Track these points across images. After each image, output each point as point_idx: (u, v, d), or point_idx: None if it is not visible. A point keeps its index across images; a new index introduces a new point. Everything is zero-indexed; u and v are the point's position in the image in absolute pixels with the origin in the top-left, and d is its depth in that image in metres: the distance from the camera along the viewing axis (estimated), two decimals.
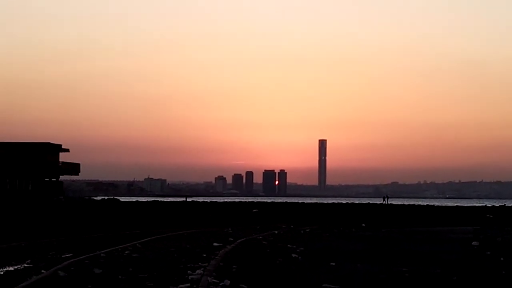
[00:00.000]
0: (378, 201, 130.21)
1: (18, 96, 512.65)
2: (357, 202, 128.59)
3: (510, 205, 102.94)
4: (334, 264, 21.70)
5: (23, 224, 40.26)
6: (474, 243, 31.01)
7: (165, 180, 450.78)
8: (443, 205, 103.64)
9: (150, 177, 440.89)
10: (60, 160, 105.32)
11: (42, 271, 17.66)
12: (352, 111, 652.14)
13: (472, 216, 61.94)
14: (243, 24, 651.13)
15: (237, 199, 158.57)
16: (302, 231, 40.68)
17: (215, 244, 27.58)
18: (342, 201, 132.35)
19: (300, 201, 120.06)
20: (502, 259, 23.87)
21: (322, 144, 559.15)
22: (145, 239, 28.88)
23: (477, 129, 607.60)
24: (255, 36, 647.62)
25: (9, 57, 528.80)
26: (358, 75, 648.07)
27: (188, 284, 15.48)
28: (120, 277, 17.14)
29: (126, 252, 23.32)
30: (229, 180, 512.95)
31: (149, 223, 45.30)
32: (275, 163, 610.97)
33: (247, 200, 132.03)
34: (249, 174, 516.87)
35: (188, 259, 21.47)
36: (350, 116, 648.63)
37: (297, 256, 24.02)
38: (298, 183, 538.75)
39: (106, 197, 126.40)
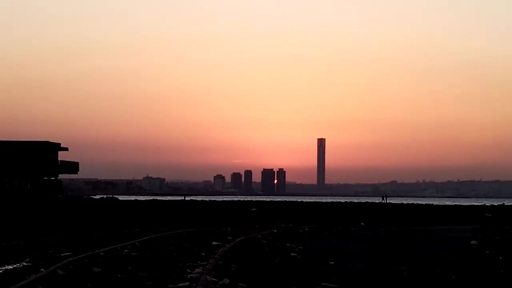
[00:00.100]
0: (377, 200, 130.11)
1: (18, 95, 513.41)
2: (356, 201, 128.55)
3: (508, 204, 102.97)
4: (333, 263, 21.71)
5: (22, 223, 40.26)
6: (473, 242, 31.04)
7: (164, 179, 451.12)
8: (442, 204, 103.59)
9: (149, 176, 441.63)
10: (59, 158, 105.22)
11: (41, 269, 17.65)
12: (351, 110, 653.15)
13: (471, 215, 61.96)
14: (242, 23, 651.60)
15: (236, 198, 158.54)
16: (301, 230, 40.70)
17: (214, 243, 27.59)
18: (341, 200, 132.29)
19: (299, 200, 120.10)
20: (500, 258, 23.88)
21: (321, 143, 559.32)
22: (144, 238, 28.89)
23: (476, 129, 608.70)
24: (253, 36, 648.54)
25: (9, 57, 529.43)
26: (357, 74, 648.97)
27: (187, 283, 15.48)
28: (119, 276, 17.14)
29: (125, 251, 23.33)
30: (228, 179, 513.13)
31: (148, 222, 45.32)
32: (274, 162, 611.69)
33: (246, 199, 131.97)
34: (248, 173, 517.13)
35: (187, 258, 21.47)
36: (349, 115, 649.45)
37: (296, 255, 24.03)
38: (297, 182, 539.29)
39: (105, 196, 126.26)
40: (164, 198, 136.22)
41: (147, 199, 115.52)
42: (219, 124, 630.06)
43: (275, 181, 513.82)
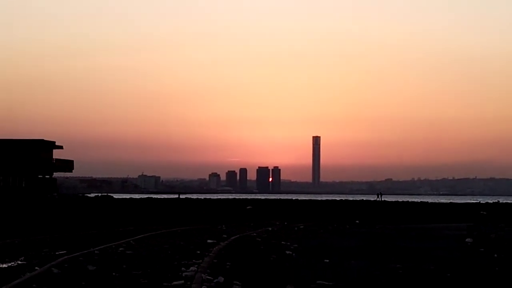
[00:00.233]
0: (372, 197, 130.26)
1: (18, 94, 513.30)
2: (351, 198, 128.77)
3: (503, 201, 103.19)
4: (328, 261, 21.70)
5: (17, 221, 40.17)
6: (467, 239, 31.08)
7: (159, 177, 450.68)
8: (437, 202, 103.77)
9: (144, 174, 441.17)
10: (54, 157, 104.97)
11: (36, 268, 17.61)
12: (346, 108, 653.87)
13: (466, 213, 62.07)
14: (241, 23, 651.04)
15: (231, 196, 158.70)
16: (296, 228, 40.69)
17: (209, 241, 27.59)
18: (336, 198, 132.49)
19: (294, 198, 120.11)
20: (495, 255, 23.92)
21: (316, 141, 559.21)
22: (139, 236, 28.86)
23: (471, 126, 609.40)
24: (249, 34, 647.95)
25: (9, 56, 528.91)
26: (353, 72, 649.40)
27: (182, 281, 15.46)
28: (114, 274, 17.11)
29: (120, 249, 23.30)
30: (223, 177, 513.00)
31: (143, 220, 45.27)
32: (269, 160, 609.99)
33: (241, 197, 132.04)
34: (243, 171, 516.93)
35: (182, 256, 21.46)
36: (344, 113, 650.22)
37: (291, 253, 24.02)
38: (292, 180, 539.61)
39: (99, 194, 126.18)
40: (159, 196, 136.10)
41: (142, 197, 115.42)
42: (214, 123, 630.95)
43: (270, 179, 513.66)
